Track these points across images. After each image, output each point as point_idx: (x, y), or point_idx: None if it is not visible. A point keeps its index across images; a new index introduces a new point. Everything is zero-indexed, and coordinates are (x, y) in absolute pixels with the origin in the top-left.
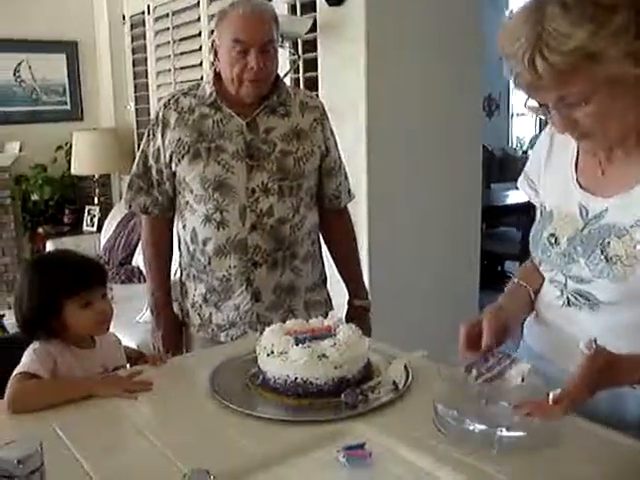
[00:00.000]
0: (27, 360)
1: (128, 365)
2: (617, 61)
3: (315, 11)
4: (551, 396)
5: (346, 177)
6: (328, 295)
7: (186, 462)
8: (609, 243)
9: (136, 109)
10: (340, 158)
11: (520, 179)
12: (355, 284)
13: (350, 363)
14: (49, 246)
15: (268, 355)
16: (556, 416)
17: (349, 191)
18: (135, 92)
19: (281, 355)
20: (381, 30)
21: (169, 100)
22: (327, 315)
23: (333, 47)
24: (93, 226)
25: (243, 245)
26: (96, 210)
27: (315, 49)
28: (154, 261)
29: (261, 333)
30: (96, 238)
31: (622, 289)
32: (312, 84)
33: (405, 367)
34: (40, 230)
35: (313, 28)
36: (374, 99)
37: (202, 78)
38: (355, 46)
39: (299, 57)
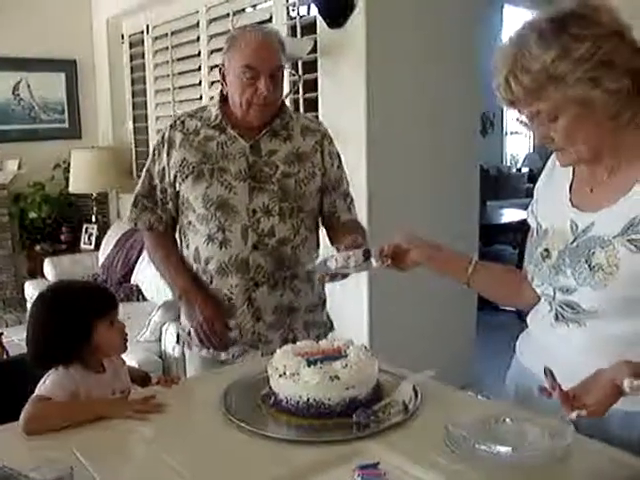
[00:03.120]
0: (48, 384)
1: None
2: (577, 85)
3: (315, 33)
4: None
5: (348, 195)
6: (328, 316)
7: None
8: (593, 253)
9: (134, 127)
10: (342, 178)
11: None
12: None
13: (361, 384)
14: (47, 264)
15: (280, 376)
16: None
17: (349, 208)
18: (133, 111)
19: (293, 376)
20: (381, 52)
21: (175, 121)
22: (326, 335)
23: (333, 68)
24: (91, 244)
25: (245, 264)
26: (94, 228)
27: (315, 70)
28: (166, 260)
29: (262, 353)
30: (94, 256)
31: (602, 296)
32: (312, 105)
33: (414, 388)
34: (37, 248)
35: (313, 50)
36: (374, 119)
37: (201, 97)
38: (355, 67)
39: (299, 78)
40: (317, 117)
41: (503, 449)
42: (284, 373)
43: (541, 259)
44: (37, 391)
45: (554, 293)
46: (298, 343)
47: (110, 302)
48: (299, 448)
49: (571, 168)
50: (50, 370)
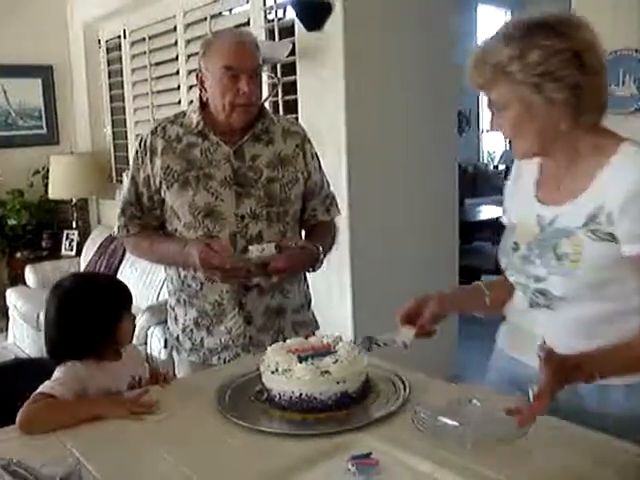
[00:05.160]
0: (53, 381)
1: None
2: (521, 85)
3: (293, 36)
4: (531, 393)
5: (327, 196)
6: (313, 315)
7: (202, 477)
8: (559, 243)
9: (113, 132)
10: (322, 180)
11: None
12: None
13: (351, 378)
14: (28, 271)
15: (273, 373)
16: (541, 412)
17: (328, 210)
18: (112, 116)
19: (286, 372)
20: (359, 53)
21: (156, 128)
22: (313, 334)
23: (312, 70)
24: (72, 250)
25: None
26: (75, 234)
27: (294, 72)
28: (155, 242)
29: (254, 355)
30: (75, 262)
31: (571, 284)
32: (292, 107)
33: (403, 382)
34: (18, 255)
35: (292, 52)
36: (353, 120)
37: (180, 102)
38: (334, 69)
39: (279, 81)
40: (297, 119)
41: (464, 426)
42: (276, 370)
43: (511, 251)
44: (41, 387)
45: (527, 281)
46: (288, 341)
47: (129, 294)
48: (294, 442)
49: (537, 166)
50: (61, 364)
